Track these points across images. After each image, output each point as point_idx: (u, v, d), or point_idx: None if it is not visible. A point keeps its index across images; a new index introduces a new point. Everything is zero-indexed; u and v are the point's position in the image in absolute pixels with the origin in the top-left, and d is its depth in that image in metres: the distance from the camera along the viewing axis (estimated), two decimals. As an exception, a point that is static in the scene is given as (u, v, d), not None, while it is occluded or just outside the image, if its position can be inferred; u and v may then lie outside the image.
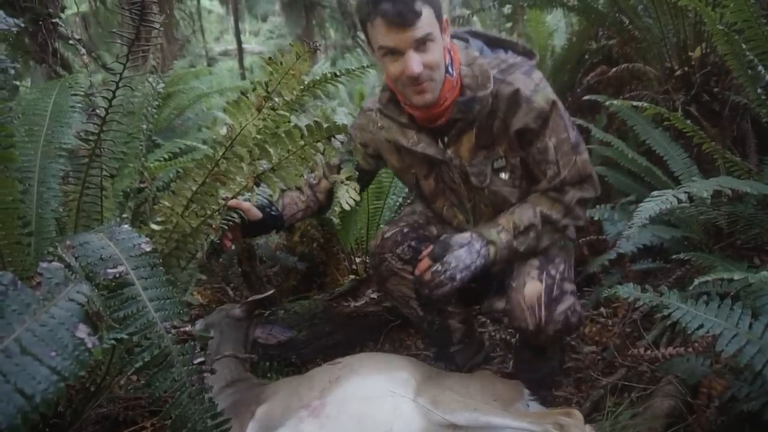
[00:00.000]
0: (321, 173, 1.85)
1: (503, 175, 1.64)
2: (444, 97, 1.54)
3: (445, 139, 1.64)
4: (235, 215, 1.58)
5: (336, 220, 2.33)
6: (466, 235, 1.61)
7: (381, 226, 2.52)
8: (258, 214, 1.69)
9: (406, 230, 1.81)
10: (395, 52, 1.46)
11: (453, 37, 1.64)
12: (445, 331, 1.90)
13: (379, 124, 1.73)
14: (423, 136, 1.66)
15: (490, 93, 1.54)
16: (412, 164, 1.75)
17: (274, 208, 1.76)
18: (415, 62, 1.44)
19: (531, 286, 1.59)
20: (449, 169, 1.68)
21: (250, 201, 1.61)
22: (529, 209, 1.62)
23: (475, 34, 1.71)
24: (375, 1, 1.41)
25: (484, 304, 1.85)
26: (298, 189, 1.84)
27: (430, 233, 1.83)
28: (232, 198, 1.40)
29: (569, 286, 1.65)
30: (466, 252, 1.56)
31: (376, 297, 2.38)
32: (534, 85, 1.55)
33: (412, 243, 1.78)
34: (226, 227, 1.56)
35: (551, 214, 1.60)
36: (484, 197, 1.69)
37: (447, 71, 1.53)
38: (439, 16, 1.47)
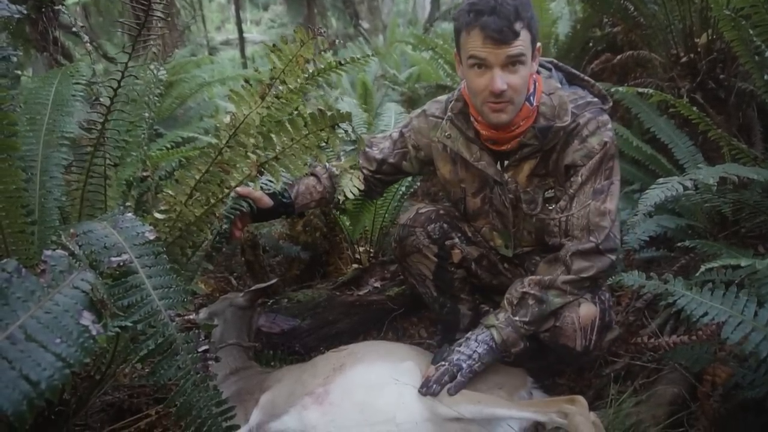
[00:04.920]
0: None
1: (551, 206, 1.65)
2: (517, 123, 1.57)
3: (505, 162, 1.67)
4: (244, 204, 1.57)
5: (340, 213, 2.33)
6: (464, 336, 1.64)
7: (386, 216, 2.53)
8: (269, 202, 1.69)
9: (442, 212, 1.84)
10: (483, 66, 1.47)
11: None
12: (455, 314, 1.92)
13: (447, 133, 1.73)
14: (485, 155, 1.68)
15: (566, 126, 1.56)
16: (464, 179, 1.76)
17: (286, 194, 1.76)
18: (500, 79, 1.45)
19: (586, 308, 1.58)
20: (502, 192, 1.70)
21: (262, 188, 1.61)
22: (517, 283, 1.63)
23: (558, 67, 1.70)
24: (477, 12, 1.42)
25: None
26: (316, 177, 1.83)
27: (462, 228, 1.85)
28: (236, 186, 1.40)
29: (614, 316, 1.68)
30: (464, 347, 1.59)
31: (379, 286, 2.38)
32: (595, 127, 1.56)
33: (445, 225, 1.81)
34: (235, 216, 1.56)
35: (544, 278, 1.59)
36: (530, 225, 1.71)
37: (528, 99, 1.54)
38: (534, 42, 1.48)
